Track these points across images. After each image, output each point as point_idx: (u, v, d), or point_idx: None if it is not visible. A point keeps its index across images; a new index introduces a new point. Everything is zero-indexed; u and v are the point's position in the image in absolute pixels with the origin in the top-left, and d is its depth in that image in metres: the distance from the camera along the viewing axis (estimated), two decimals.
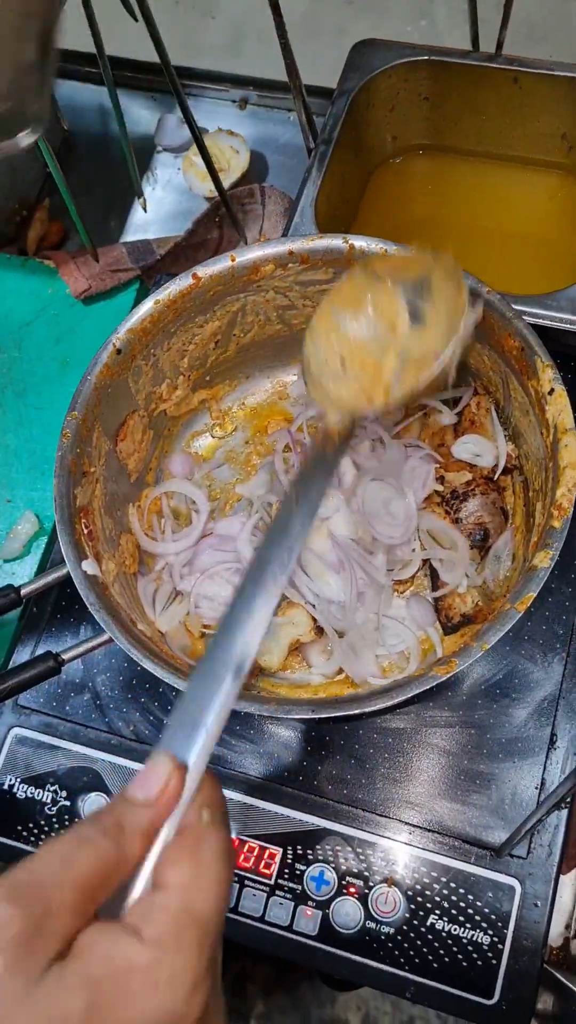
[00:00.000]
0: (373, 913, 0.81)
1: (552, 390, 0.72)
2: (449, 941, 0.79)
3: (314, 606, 0.83)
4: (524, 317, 0.85)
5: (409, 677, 0.70)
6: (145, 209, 1.10)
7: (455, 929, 0.79)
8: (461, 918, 0.80)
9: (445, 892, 0.80)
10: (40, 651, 0.91)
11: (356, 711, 0.68)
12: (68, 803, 0.87)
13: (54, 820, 0.87)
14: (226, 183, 1.15)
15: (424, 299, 0.69)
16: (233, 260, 0.81)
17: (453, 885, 0.80)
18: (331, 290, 0.73)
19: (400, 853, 0.82)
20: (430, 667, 0.69)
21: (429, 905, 0.80)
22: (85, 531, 0.77)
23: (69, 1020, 0.37)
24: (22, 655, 0.92)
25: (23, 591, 0.75)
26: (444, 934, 0.79)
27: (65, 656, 0.72)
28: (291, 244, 0.81)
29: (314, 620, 0.84)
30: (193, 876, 0.42)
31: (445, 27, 2.06)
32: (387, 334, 0.70)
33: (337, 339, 0.71)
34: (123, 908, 0.41)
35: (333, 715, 0.69)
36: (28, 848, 0.87)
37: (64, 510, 0.76)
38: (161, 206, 1.21)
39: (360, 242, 0.80)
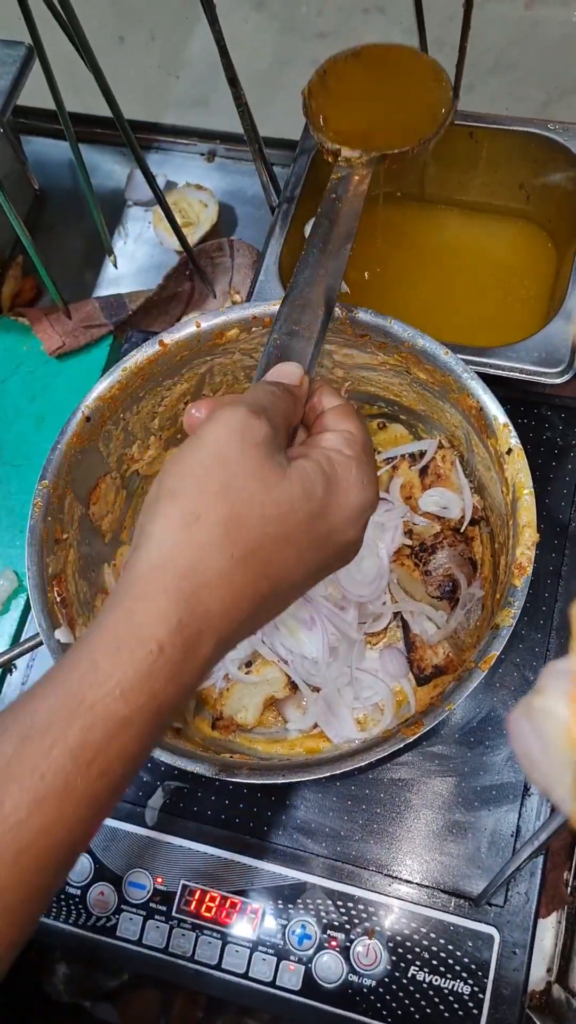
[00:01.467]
0: (355, 966, 0.81)
1: (510, 450, 0.74)
2: (430, 992, 0.80)
3: (287, 662, 0.84)
4: (486, 369, 0.88)
5: (378, 738, 0.71)
6: (116, 266, 1.12)
7: (436, 980, 0.80)
8: (442, 968, 0.80)
9: (425, 943, 0.81)
10: None
11: (326, 774, 0.69)
12: None
13: None
14: (195, 236, 1.17)
15: None
16: (198, 326, 0.83)
17: (433, 935, 0.81)
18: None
19: (380, 905, 0.83)
20: (398, 728, 0.70)
21: (410, 956, 0.81)
22: (58, 599, 0.78)
23: (314, 491, 0.50)
24: None
25: None
26: (425, 985, 0.80)
27: None
28: (254, 309, 0.82)
29: (288, 676, 0.85)
30: (350, 425, 0.56)
31: None
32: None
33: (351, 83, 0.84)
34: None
35: (304, 779, 0.70)
36: None
37: (36, 579, 0.77)
38: (133, 260, 1.23)
39: None
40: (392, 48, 0.85)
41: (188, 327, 0.83)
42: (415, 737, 0.68)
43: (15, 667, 0.95)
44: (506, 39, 1.72)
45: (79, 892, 0.87)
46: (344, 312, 0.81)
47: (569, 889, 0.86)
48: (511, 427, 0.75)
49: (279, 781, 0.70)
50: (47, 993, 1.58)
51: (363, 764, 0.69)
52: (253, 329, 0.84)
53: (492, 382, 0.78)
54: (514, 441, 0.74)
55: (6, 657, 0.77)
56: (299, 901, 0.84)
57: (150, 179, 0.93)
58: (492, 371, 0.88)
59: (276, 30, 1.91)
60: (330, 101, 0.84)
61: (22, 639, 0.96)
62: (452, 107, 0.81)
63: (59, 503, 0.81)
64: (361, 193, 0.76)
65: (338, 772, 0.69)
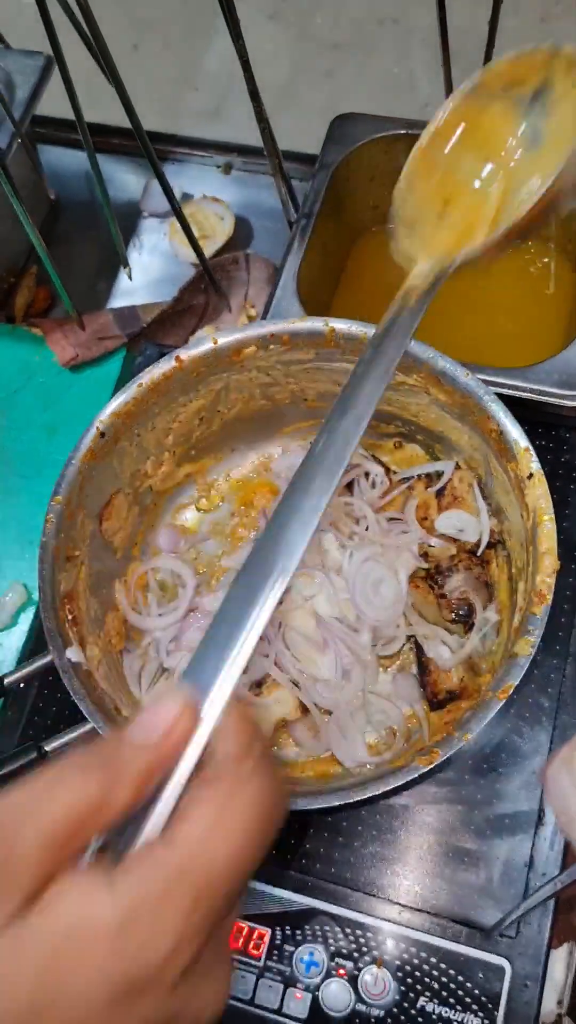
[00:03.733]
0: (363, 995, 0.80)
1: (531, 475, 0.73)
2: None
3: (298, 685, 0.83)
4: (505, 390, 0.87)
5: (392, 767, 0.70)
6: (131, 278, 1.11)
7: (445, 1012, 0.79)
8: (451, 1000, 0.79)
9: (435, 973, 0.80)
10: (23, 736, 0.91)
11: (338, 803, 0.68)
12: None
13: None
14: (211, 249, 1.16)
15: (544, 114, 0.59)
16: (215, 343, 0.82)
17: (443, 966, 0.80)
18: (433, 120, 0.64)
19: (390, 933, 0.81)
20: (413, 756, 0.69)
21: (419, 987, 0.80)
22: (69, 617, 0.77)
23: (16, 986, 0.33)
24: (2, 745, 0.92)
25: (6, 680, 0.76)
26: (435, 1017, 0.79)
27: (48, 747, 0.72)
28: (272, 327, 0.81)
29: (299, 699, 0.84)
30: (210, 829, 0.37)
31: (430, 68, 2.08)
32: (498, 164, 0.60)
33: (440, 177, 0.63)
34: (122, 859, 0.37)
35: (315, 807, 0.68)
36: None
37: (48, 597, 0.76)
38: (148, 271, 1.22)
39: (340, 325, 0.80)
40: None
41: (205, 343, 0.82)
42: (431, 767, 0.67)
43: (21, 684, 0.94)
44: (522, 41, 1.71)
45: None
46: (364, 332, 0.80)
47: None
48: (532, 452, 0.74)
49: (293, 807, 0.69)
50: None
51: (377, 793, 0.68)
52: (271, 346, 0.83)
53: (509, 403, 0.77)
54: (535, 466, 0.73)
55: (16, 676, 0.76)
56: (307, 927, 0.82)
57: (168, 191, 0.92)
58: (510, 392, 0.87)
59: (290, 41, 1.91)
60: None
61: (31, 656, 0.95)
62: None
63: (72, 519, 0.80)
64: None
65: (352, 800, 0.68)
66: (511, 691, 0.68)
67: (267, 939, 0.83)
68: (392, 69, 2.04)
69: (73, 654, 0.75)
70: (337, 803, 0.68)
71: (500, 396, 0.77)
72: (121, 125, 1.26)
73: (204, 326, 1.15)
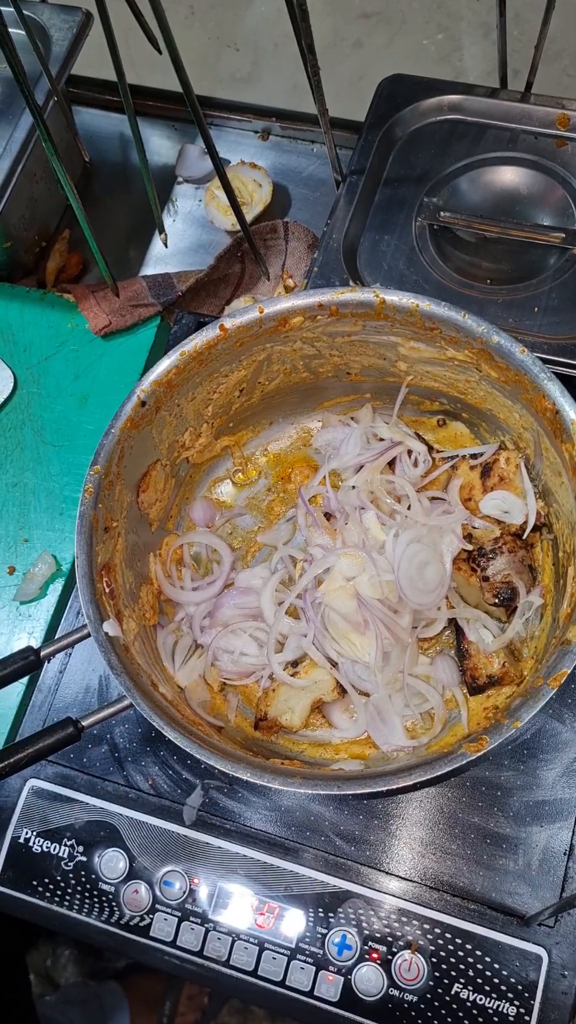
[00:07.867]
0: (396, 980, 0.79)
1: None
2: (474, 1011, 0.77)
3: (336, 666, 0.81)
4: (559, 368, 0.84)
5: (438, 754, 0.68)
6: (166, 245, 1.08)
7: (480, 999, 0.78)
8: (487, 987, 0.78)
9: (470, 960, 0.79)
10: (54, 710, 0.89)
11: (383, 788, 0.66)
12: (85, 859, 0.86)
13: (71, 876, 0.85)
14: (248, 216, 1.13)
15: None
16: (261, 311, 0.80)
17: (479, 953, 0.79)
18: None
19: (424, 918, 0.80)
20: (459, 743, 0.67)
21: (454, 973, 0.78)
22: (107, 589, 0.76)
23: None
24: (34, 716, 0.91)
25: (43, 652, 0.74)
26: (469, 1004, 0.78)
27: (85, 723, 0.70)
28: (320, 296, 0.79)
29: (336, 679, 0.82)
30: None
31: (464, 42, 2.03)
32: None
33: None
34: None
35: (361, 792, 0.67)
36: (44, 904, 0.85)
37: (85, 568, 0.74)
38: (182, 238, 1.19)
39: (391, 296, 0.78)
40: None
41: (250, 312, 0.80)
42: (478, 755, 0.66)
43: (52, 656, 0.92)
44: (553, 25, 1.66)
45: (113, 889, 0.84)
46: (415, 304, 0.78)
47: None
48: None
49: (335, 792, 0.67)
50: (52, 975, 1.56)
51: (424, 779, 0.66)
52: (318, 317, 0.80)
53: (565, 383, 0.74)
54: None
55: (52, 649, 0.74)
56: (340, 910, 0.81)
57: (213, 153, 0.88)
58: (565, 371, 0.84)
59: (321, 9, 1.86)
60: None
61: (65, 629, 0.94)
62: None
63: (110, 490, 0.78)
64: None
65: (396, 787, 0.66)
66: (564, 679, 0.66)
67: (300, 921, 0.81)
68: (422, 40, 1.99)
69: (111, 628, 0.73)
70: (383, 788, 0.66)
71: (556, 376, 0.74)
72: (155, 87, 1.23)
73: (240, 296, 1.13)
